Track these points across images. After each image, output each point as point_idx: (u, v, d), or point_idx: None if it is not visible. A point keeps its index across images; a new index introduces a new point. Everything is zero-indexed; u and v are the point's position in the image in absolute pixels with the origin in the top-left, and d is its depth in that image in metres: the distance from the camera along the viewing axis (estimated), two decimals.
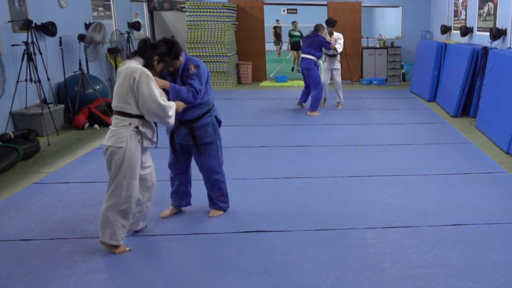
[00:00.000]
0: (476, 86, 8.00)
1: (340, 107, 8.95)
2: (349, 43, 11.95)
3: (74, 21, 8.30)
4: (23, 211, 4.20)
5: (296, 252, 3.47)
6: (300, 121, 7.84)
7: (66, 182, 4.94)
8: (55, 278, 3.11)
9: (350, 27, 12.24)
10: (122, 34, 10.12)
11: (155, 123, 3.50)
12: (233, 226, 3.90)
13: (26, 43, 6.47)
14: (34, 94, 6.89)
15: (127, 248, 3.46)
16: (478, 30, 9.32)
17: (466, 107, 8.32)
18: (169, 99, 3.52)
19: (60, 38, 7.54)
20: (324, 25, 8.64)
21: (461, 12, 10.46)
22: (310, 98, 8.53)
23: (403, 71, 12.68)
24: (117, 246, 3.41)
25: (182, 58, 3.70)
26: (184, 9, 11.61)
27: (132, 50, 10.18)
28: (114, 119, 3.34)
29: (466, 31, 9.68)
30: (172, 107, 3.39)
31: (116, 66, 9.48)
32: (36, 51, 6.71)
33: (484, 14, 8.95)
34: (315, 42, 8.20)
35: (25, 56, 6.45)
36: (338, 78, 8.86)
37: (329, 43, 8.34)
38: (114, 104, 3.35)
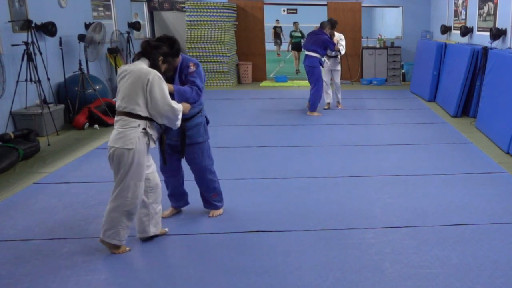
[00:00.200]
0: (476, 86, 8.00)
1: (340, 107, 8.93)
2: (349, 43, 11.92)
3: (74, 21, 8.30)
4: (23, 211, 4.20)
5: (296, 252, 3.47)
6: (300, 121, 7.83)
7: (66, 182, 4.94)
8: (55, 278, 3.11)
9: (350, 27, 12.24)
10: (122, 34, 10.12)
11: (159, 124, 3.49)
12: (233, 226, 3.90)
13: (26, 43, 6.47)
14: (34, 94, 6.89)
15: (127, 248, 3.46)
16: (478, 30, 9.32)
17: (466, 107, 8.32)
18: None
19: (60, 38, 7.54)
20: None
21: (461, 12, 10.46)
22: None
23: (403, 71, 12.68)
24: (118, 247, 3.41)
25: (180, 57, 3.70)
26: (184, 9, 11.61)
27: (132, 50, 10.25)
28: (122, 120, 3.30)
29: (466, 31, 9.68)
30: (181, 110, 3.42)
31: (116, 66, 9.48)
32: (36, 51, 6.71)
33: (484, 14, 8.95)
34: (319, 40, 8.06)
35: (25, 56, 6.44)
36: (337, 79, 8.83)
37: (334, 44, 8.20)
38: (121, 105, 3.31)
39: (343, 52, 8.56)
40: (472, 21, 9.60)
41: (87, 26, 8.42)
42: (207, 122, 3.99)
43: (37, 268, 3.24)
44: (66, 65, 7.73)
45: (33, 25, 6.73)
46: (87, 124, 7.35)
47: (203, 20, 11.22)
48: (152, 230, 3.58)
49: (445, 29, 11.19)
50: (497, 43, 8.09)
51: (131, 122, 3.28)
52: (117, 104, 3.35)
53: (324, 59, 8.32)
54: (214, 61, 11.30)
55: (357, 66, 12.55)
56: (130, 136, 3.25)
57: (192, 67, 3.68)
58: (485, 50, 7.84)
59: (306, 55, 8.18)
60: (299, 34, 15.10)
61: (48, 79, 6.99)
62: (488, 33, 8.27)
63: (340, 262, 3.33)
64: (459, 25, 10.27)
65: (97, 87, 7.85)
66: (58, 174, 5.21)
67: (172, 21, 12.26)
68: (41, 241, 3.63)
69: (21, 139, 5.88)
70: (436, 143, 6.52)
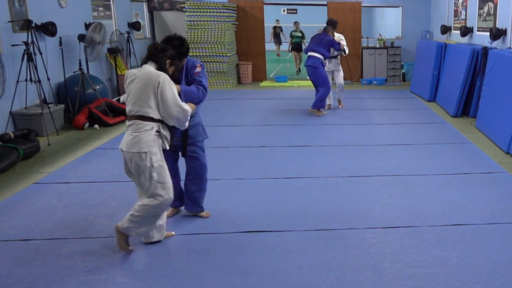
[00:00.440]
0: (476, 86, 8.00)
1: (340, 106, 8.88)
2: (349, 43, 11.86)
3: (74, 21, 8.30)
4: (23, 211, 4.20)
5: (296, 252, 3.47)
6: (300, 121, 7.83)
7: (66, 182, 4.94)
8: (55, 278, 3.11)
9: (350, 27, 12.24)
10: (122, 34, 10.12)
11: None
12: (233, 226, 3.90)
13: (26, 43, 6.47)
14: (34, 94, 6.89)
15: (130, 248, 3.47)
16: (478, 30, 9.32)
17: (466, 107, 8.32)
18: None
19: (60, 38, 7.54)
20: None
21: (461, 12, 10.46)
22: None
23: (403, 71, 12.68)
24: (128, 244, 3.42)
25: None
26: (184, 9, 11.61)
27: (132, 50, 10.25)
28: (135, 125, 3.29)
29: (466, 31, 9.68)
30: (190, 111, 3.44)
31: (116, 66, 9.49)
32: (36, 51, 6.71)
33: (484, 14, 8.95)
34: (324, 41, 8.05)
35: (25, 56, 6.45)
36: (341, 79, 8.74)
37: (338, 43, 8.19)
38: (133, 109, 3.30)
39: (347, 51, 8.53)
40: (472, 21, 9.60)
41: (87, 26, 8.42)
42: None
43: (37, 268, 3.24)
44: (66, 65, 7.74)
45: (33, 25, 6.73)
46: (87, 124, 7.35)
47: (203, 20, 11.22)
48: (156, 236, 3.59)
49: (445, 29, 11.19)
50: (497, 43, 8.09)
51: (144, 125, 3.29)
52: (128, 108, 3.34)
53: (325, 61, 8.28)
54: (214, 61, 11.30)
55: (357, 66, 12.56)
56: (145, 139, 3.27)
57: (198, 68, 3.74)
58: (485, 50, 7.84)
59: (309, 56, 8.11)
60: (300, 34, 15.02)
61: (48, 79, 6.99)
62: (488, 33, 8.27)
63: (340, 262, 3.33)
64: (459, 25, 10.27)
65: (97, 87, 7.85)
66: (58, 174, 5.21)
67: (172, 21, 12.26)
68: (41, 241, 3.63)
69: (21, 139, 5.88)
70: (436, 143, 6.52)
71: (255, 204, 4.35)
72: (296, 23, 15.49)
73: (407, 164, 5.57)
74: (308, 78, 8.48)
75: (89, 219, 4.02)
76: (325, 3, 12.48)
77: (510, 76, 6.41)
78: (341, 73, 8.80)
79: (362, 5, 12.55)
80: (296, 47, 14.94)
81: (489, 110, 7.01)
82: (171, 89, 3.30)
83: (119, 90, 9.65)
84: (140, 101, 3.28)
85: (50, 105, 6.93)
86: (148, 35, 12.11)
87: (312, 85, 8.56)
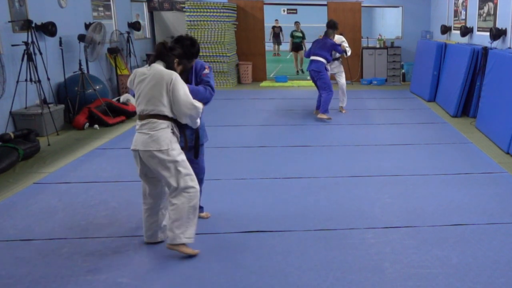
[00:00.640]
0: (476, 86, 8.00)
1: (343, 112, 8.60)
2: (349, 43, 11.77)
3: (74, 21, 8.30)
4: (23, 211, 4.20)
5: (296, 252, 3.47)
6: (300, 121, 7.83)
7: (66, 182, 4.94)
8: (55, 278, 3.11)
9: (350, 27, 12.24)
10: (122, 34, 10.13)
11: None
12: (233, 226, 3.90)
13: (26, 43, 6.47)
14: (34, 94, 6.89)
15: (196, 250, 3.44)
16: (478, 30, 9.32)
17: (466, 107, 8.32)
18: None
19: (60, 38, 7.54)
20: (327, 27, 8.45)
21: (461, 12, 10.46)
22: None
23: (403, 71, 12.68)
24: (193, 250, 3.41)
25: None
26: (184, 9, 11.61)
27: (132, 50, 10.25)
28: (150, 123, 3.27)
29: (466, 31, 9.68)
30: (202, 108, 3.46)
31: (116, 66, 9.49)
32: (36, 51, 6.71)
33: (484, 14, 8.95)
34: (327, 45, 8.00)
35: (25, 56, 6.44)
36: (342, 80, 8.61)
37: (340, 45, 8.15)
38: (146, 108, 3.28)
39: (349, 53, 8.49)
40: (472, 21, 9.60)
41: (87, 26, 8.42)
42: None
43: (37, 268, 3.24)
44: (66, 65, 7.73)
45: (33, 25, 6.73)
46: (87, 124, 7.35)
47: (203, 20, 11.22)
48: (160, 236, 3.61)
49: (445, 29, 11.19)
50: (497, 43, 8.09)
51: (160, 123, 3.28)
52: (141, 108, 3.31)
53: (328, 65, 8.23)
54: (214, 61, 11.30)
55: (357, 66, 12.55)
56: (163, 137, 3.27)
57: (206, 70, 3.78)
58: (485, 50, 7.84)
59: (312, 60, 8.02)
60: (300, 34, 14.92)
61: (48, 79, 6.99)
62: (488, 33, 8.27)
63: (340, 262, 3.33)
64: (459, 25, 10.28)
65: (97, 87, 7.85)
66: (58, 174, 5.21)
67: (172, 21, 12.26)
68: (41, 241, 3.63)
69: (21, 139, 5.88)
70: (436, 143, 6.52)
71: (255, 204, 4.35)
72: (297, 23, 15.34)
73: (407, 164, 5.57)
74: (308, 78, 8.44)
75: (89, 219, 4.02)
76: (325, 3, 12.47)
77: (510, 76, 6.41)
78: (343, 75, 8.73)
79: (362, 5, 12.55)
80: (296, 47, 14.83)
81: (489, 110, 7.01)
82: (183, 87, 3.32)
83: (119, 90, 9.66)
84: (154, 100, 3.28)
85: (50, 105, 6.93)
86: (148, 35, 12.12)
87: (312, 85, 8.52)
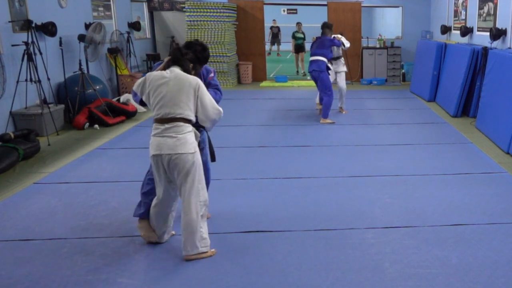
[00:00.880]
0: (476, 86, 8.00)
1: (344, 112, 8.57)
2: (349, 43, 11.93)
3: (74, 21, 8.30)
4: (23, 211, 4.20)
5: (296, 252, 3.47)
6: (300, 121, 7.83)
7: (66, 182, 4.94)
8: (55, 278, 3.11)
9: (350, 27, 12.24)
10: (122, 34, 10.13)
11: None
12: (233, 226, 3.90)
13: (26, 43, 6.47)
14: (34, 94, 6.89)
15: (213, 250, 3.46)
16: (478, 30, 9.32)
17: (466, 107, 8.32)
18: None
19: (60, 38, 7.54)
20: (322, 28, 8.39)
21: (461, 12, 10.46)
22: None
23: (403, 71, 12.68)
24: (212, 250, 3.44)
25: None
26: (184, 9, 11.61)
27: (132, 50, 10.25)
28: (176, 127, 3.25)
29: (466, 31, 9.68)
30: (222, 111, 3.49)
31: (116, 66, 9.49)
32: (36, 51, 6.71)
33: (484, 14, 8.95)
34: (324, 42, 7.95)
35: (25, 56, 6.45)
36: (342, 82, 8.55)
37: (338, 40, 8.12)
38: (173, 111, 3.24)
39: (347, 45, 8.43)
40: (472, 21, 9.60)
41: (87, 26, 8.42)
42: None
43: (37, 268, 3.24)
44: (66, 65, 7.73)
45: (33, 25, 6.73)
46: (87, 124, 7.35)
47: (203, 20, 11.22)
48: (165, 237, 3.65)
49: (445, 29, 11.19)
50: (497, 43, 8.09)
51: (186, 127, 3.30)
52: (165, 111, 3.25)
53: (329, 64, 8.17)
54: (214, 61, 11.29)
55: (357, 66, 12.56)
56: (190, 140, 3.29)
57: (212, 74, 3.85)
58: (485, 50, 7.84)
59: (312, 61, 7.92)
60: (302, 35, 14.56)
61: (48, 79, 6.99)
62: (488, 33, 8.27)
63: (340, 262, 3.33)
64: (459, 25, 10.27)
65: (97, 87, 7.85)
66: (58, 174, 5.21)
67: (172, 21, 12.26)
68: (41, 241, 3.63)
69: (21, 139, 5.88)
70: (436, 143, 6.52)
71: (255, 204, 4.35)
72: (298, 23, 14.91)
73: (407, 164, 5.57)
74: (308, 78, 8.41)
75: (89, 219, 4.02)
76: (325, 3, 12.47)
77: (510, 76, 6.41)
78: (344, 75, 8.69)
79: (362, 5, 12.55)
80: (298, 48, 14.47)
81: (489, 110, 7.01)
82: (207, 92, 3.37)
83: (119, 90, 9.65)
84: (182, 104, 3.27)
85: (50, 105, 6.93)
86: (148, 35, 12.11)
87: (312, 85, 8.49)
